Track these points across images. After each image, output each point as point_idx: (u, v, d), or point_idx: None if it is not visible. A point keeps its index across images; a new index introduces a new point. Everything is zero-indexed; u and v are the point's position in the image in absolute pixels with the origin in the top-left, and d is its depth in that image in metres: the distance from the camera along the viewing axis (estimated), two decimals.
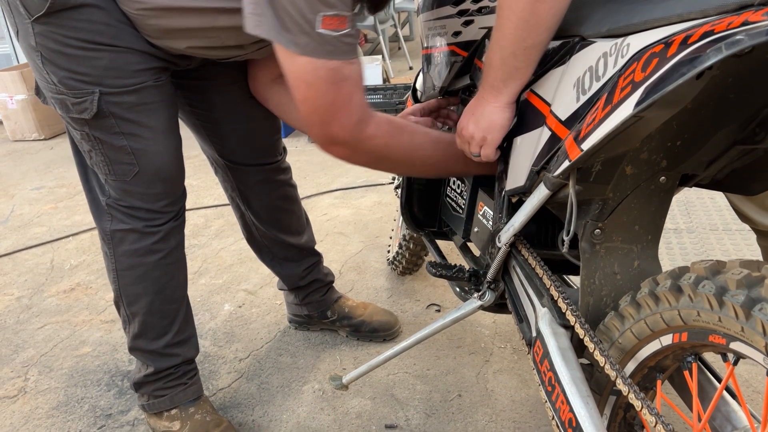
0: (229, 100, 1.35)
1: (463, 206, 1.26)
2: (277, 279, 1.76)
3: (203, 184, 2.97)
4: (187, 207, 1.45)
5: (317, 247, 1.69)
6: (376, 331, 1.68)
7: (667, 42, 0.64)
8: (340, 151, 1.04)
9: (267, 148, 1.47)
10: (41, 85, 1.16)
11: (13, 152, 3.84)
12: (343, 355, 1.66)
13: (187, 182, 1.30)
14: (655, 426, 0.70)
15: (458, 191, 1.30)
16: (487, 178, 1.21)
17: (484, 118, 0.97)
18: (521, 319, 1.06)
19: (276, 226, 1.56)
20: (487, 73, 0.93)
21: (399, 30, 5.36)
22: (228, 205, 2.71)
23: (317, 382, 1.55)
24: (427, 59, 1.35)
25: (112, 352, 1.74)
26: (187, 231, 1.48)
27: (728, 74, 0.69)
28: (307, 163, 3.13)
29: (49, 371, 1.68)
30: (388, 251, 2.08)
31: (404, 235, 1.83)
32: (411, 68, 5.00)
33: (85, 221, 2.66)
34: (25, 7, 1.05)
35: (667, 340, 0.78)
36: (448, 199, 1.37)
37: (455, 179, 1.33)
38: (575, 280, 1.19)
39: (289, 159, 1.56)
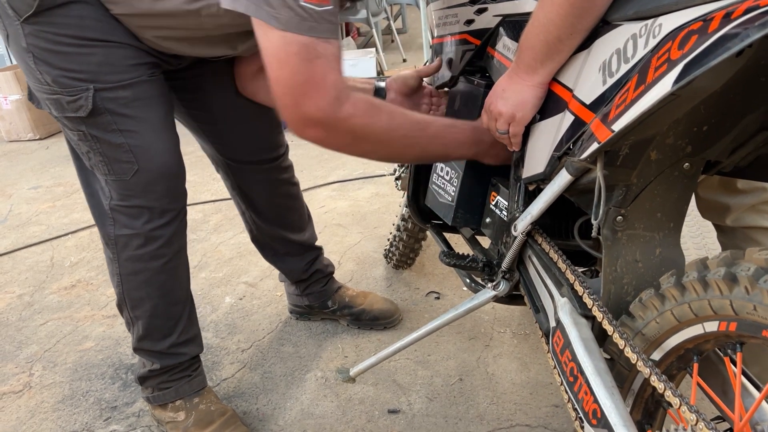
0: (224, 97, 1.35)
1: (452, 193, 1.25)
2: (278, 272, 1.77)
3: (200, 179, 2.97)
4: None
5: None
6: (376, 319, 1.70)
7: (706, 19, 0.62)
8: (315, 133, 0.98)
9: (267, 144, 1.47)
10: (33, 88, 1.15)
11: (8, 153, 3.84)
12: (345, 343, 1.67)
13: None
14: (679, 407, 0.69)
15: (447, 178, 1.29)
16: (489, 168, 1.21)
17: (516, 95, 0.95)
18: (538, 309, 1.04)
19: (278, 224, 1.57)
20: (524, 53, 0.91)
21: (392, 23, 5.37)
22: (226, 200, 2.73)
23: (320, 370, 1.57)
24: (437, 49, 1.34)
25: (115, 346, 1.76)
26: None
27: (761, 55, 0.68)
28: (303, 157, 3.14)
29: (53, 366, 1.69)
30: (388, 240, 2.10)
31: (398, 226, 1.84)
32: (405, 60, 5.00)
33: (84, 219, 2.67)
34: (13, 8, 1.04)
35: (711, 326, 0.75)
36: (434, 186, 1.35)
37: (443, 166, 1.31)
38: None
39: None
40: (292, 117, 0.97)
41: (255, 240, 1.64)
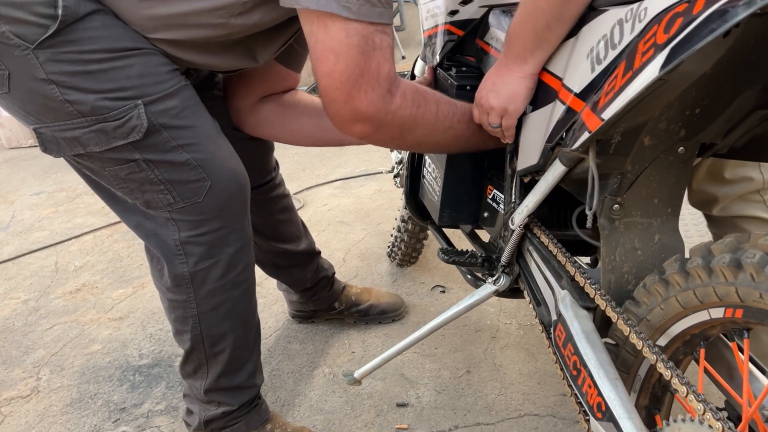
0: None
1: (438, 191, 1.24)
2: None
3: None
4: None
5: (317, 239, 1.68)
6: (384, 313, 1.70)
7: (691, 0, 0.62)
8: (363, 128, 0.95)
9: (265, 169, 1.43)
10: (56, 129, 0.98)
11: (9, 159, 3.84)
12: (352, 339, 1.67)
13: None
14: (686, 396, 0.68)
15: (433, 175, 1.27)
16: (473, 165, 1.20)
17: (506, 88, 0.94)
18: (539, 302, 1.03)
19: (278, 239, 1.53)
20: (513, 44, 0.91)
21: None
22: None
23: (327, 367, 1.57)
24: (424, 42, 1.35)
25: (122, 348, 1.76)
26: None
27: (751, 34, 0.67)
28: (305, 156, 3.14)
29: (60, 370, 1.69)
30: (392, 235, 2.10)
31: (399, 227, 1.84)
32: (404, 57, 4.99)
33: (87, 223, 2.67)
34: (19, 36, 0.89)
35: (717, 313, 0.74)
36: (424, 180, 1.33)
37: (430, 162, 1.30)
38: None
39: (287, 152, 1.57)
40: (341, 112, 0.93)
41: (258, 262, 1.56)
